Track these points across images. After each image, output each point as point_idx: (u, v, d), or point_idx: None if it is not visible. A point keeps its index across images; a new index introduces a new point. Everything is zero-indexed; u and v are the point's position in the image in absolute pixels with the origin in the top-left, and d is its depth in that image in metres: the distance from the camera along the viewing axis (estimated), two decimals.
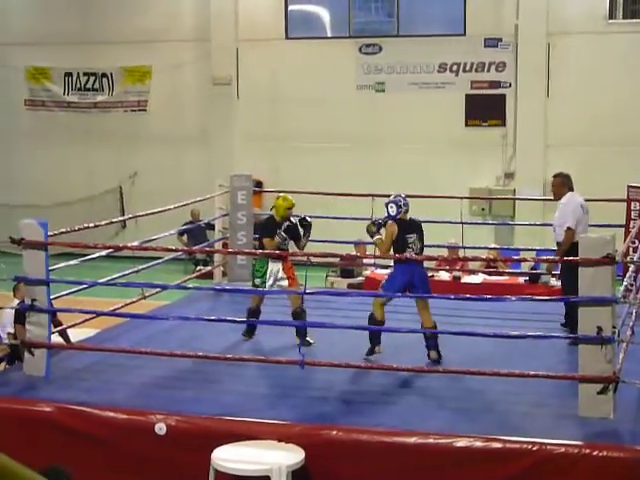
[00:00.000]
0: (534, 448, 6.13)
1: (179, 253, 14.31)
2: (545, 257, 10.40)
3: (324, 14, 19.01)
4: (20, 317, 8.11)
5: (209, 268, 13.31)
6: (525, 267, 14.27)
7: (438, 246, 11.77)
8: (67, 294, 8.75)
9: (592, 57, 17.24)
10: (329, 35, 19.03)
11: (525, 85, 17.42)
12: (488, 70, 17.78)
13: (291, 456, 6.22)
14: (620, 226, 10.56)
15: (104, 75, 19.99)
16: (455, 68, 17.92)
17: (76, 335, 9.07)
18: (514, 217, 17.25)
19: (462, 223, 11.95)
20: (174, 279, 11.96)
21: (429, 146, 17.96)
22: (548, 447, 6.12)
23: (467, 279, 13.10)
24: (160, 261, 11.31)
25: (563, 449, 6.10)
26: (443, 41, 18.01)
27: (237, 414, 6.76)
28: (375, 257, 11.40)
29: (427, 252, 8.73)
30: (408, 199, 8.39)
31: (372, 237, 8.38)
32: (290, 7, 18.80)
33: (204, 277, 12.98)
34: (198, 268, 16.09)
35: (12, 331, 8.69)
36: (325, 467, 6.40)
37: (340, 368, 7.53)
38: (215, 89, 18.94)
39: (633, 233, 9.54)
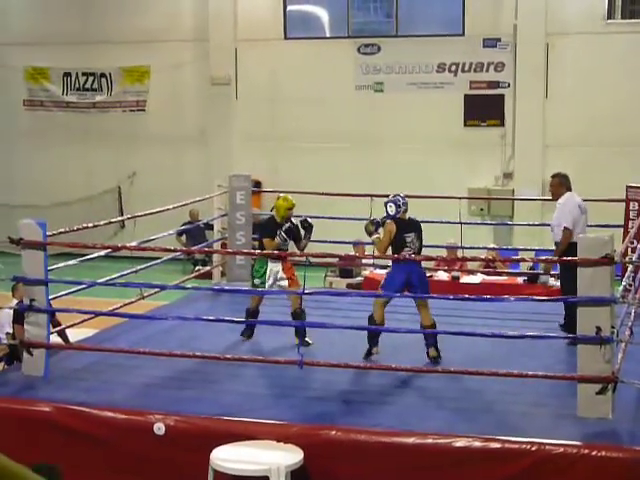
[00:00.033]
0: (533, 448, 6.14)
1: (178, 253, 14.31)
2: (544, 257, 10.41)
3: (323, 14, 19.01)
4: (19, 317, 8.11)
5: (208, 268, 13.30)
6: (524, 267, 14.28)
7: (437, 246, 11.77)
8: (66, 294, 8.76)
9: (591, 57, 17.24)
10: (328, 35, 19.02)
11: (524, 85, 17.42)
12: (487, 70, 17.77)
13: (290, 456, 6.22)
14: (619, 226, 10.56)
15: (103, 75, 19.97)
16: (454, 68, 17.92)
17: (75, 335, 9.07)
18: (513, 217, 17.25)
19: (461, 223, 11.96)
20: (173, 279, 11.97)
21: (428, 146, 17.95)
22: (547, 447, 6.13)
23: (466, 279, 13.10)
24: (159, 261, 11.31)
25: (562, 449, 6.11)
26: (442, 41, 18.00)
27: (236, 414, 6.76)
28: (374, 257, 11.39)
29: (426, 252, 8.73)
30: (407, 199, 8.40)
31: (370, 236, 8.40)
32: (289, 7, 18.79)
33: (203, 277, 12.97)
34: (197, 268, 16.08)
35: (11, 331, 8.69)
36: (324, 467, 6.40)
37: (339, 368, 7.54)
38: (214, 89, 18.94)
39: (632, 233, 9.54)
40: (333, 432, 6.47)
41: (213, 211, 11.91)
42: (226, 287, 10.87)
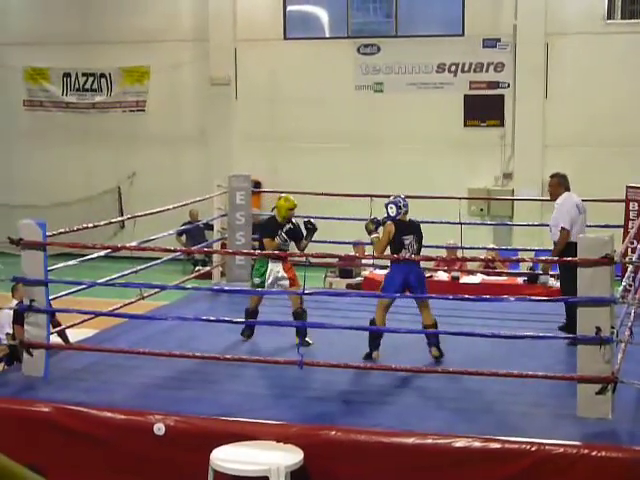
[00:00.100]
0: (533, 448, 6.14)
1: (178, 253, 14.31)
2: (543, 257, 10.41)
3: (322, 14, 19.02)
4: (19, 317, 8.11)
5: (208, 268, 13.31)
6: (524, 267, 14.28)
7: (437, 247, 11.77)
8: (66, 294, 8.75)
9: (590, 57, 17.25)
10: (327, 35, 19.02)
11: (523, 85, 17.43)
12: (487, 70, 17.78)
13: (290, 456, 6.22)
14: (619, 226, 10.56)
15: (102, 75, 19.98)
16: (453, 68, 17.92)
17: (75, 335, 9.06)
18: (512, 217, 17.26)
19: (461, 223, 11.96)
20: (173, 279, 11.97)
21: (427, 146, 17.96)
22: (547, 447, 6.13)
23: (466, 279, 13.10)
24: (159, 261, 11.31)
25: (561, 449, 6.11)
26: (441, 41, 18.01)
27: (236, 414, 6.76)
28: (374, 257, 11.40)
29: (425, 252, 8.73)
30: (407, 200, 8.40)
31: (370, 235, 8.40)
32: (288, 7, 18.80)
33: (203, 277, 12.98)
34: (197, 268, 16.09)
35: (11, 332, 8.68)
36: (324, 467, 6.40)
37: (339, 368, 7.54)
38: (213, 89, 18.94)
39: (632, 233, 9.54)
40: (333, 432, 6.47)
41: (213, 211, 11.91)
42: (226, 287, 10.87)
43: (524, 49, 17.34)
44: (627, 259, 8.96)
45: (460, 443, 6.26)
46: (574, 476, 6.05)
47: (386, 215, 8.27)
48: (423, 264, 8.80)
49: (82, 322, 8.98)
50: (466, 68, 17.86)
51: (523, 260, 10.38)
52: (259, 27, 18.75)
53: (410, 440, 6.34)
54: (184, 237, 17.40)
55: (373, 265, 13.36)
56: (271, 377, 7.74)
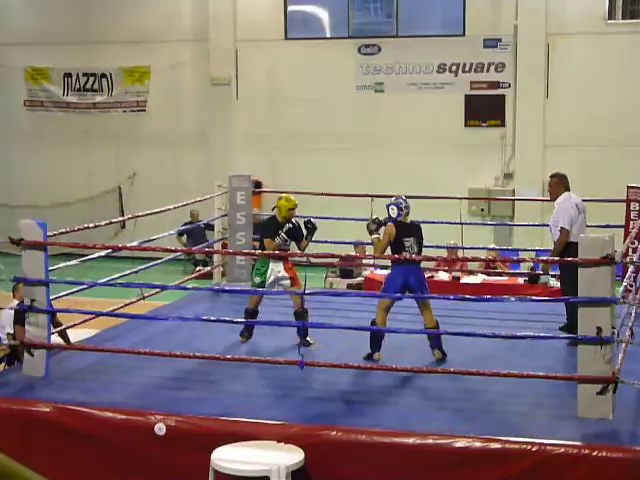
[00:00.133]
0: (533, 449, 6.14)
1: (178, 254, 14.32)
2: (544, 257, 10.41)
3: (323, 15, 19.02)
4: (20, 317, 8.11)
5: (208, 268, 13.31)
6: (524, 267, 14.28)
7: (437, 247, 11.77)
8: (66, 294, 8.75)
9: (591, 58, 17.25)
10: (328, 35, 19.03)
11: (524, 86, 17.43)
12: (487, 70, 17.78)
13: (290, 456, 6.22)
14: (619, 227, 10.57)
15: (103, 75, 19.99)
16: (454, 69, 17.93)
17: (76, 335, 9.06)
18: (513, 217, 17.26)
19: (461, 223, 11.96)
20: (173, 279, 11.98)
21: (428, 146, 17.96)
22: (547, 448, 6.13)
23: (466, 279, 13.10)
24: (159, 261, 11.31)
25: (562, 450, 6.11)
26: (442, 41, 18.01)
27: (237, 414, 6.76)
28: (374, 257, 11.41)
29: (426, 253, 8.72)
30: (408, 200, 8.38)
31: (371, 235, 8.38)
32: (289, 7, 18.79)
33: (203, 277, 12.99)
34: (197, 268, 16.10)
35: (11, 332, 8.69)
36: (324, 467, 6.40)
37: (339, 368, 7.54)
38: (214, 89, 18.95)
39: (633, 234, 9.54)
40: (334, 432, 6.47)
41: (213, 211, 11.91)
42: (226, 287, 10.87)
43: (525, 49, 17.35)
44: (628, 259, 8.97)
45: (461, 443, 6.26)
46: (575, 476, 6.04)
47: (387, 216, 8.24)
48: (424, 264, 8.78)
49: (83, 322, 8.98)
50: (467, 68, 17.86)
51: (524, 260, 10.37)
52: (260, 27, 18.75)
53: (411, 440, 6.34)
54: (185, 237, 17.41)
55: (374, 265, 13.36)
56: (272, 377, 7.74)
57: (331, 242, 11.43)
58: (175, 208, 10.94)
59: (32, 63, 20.27)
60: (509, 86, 17.68)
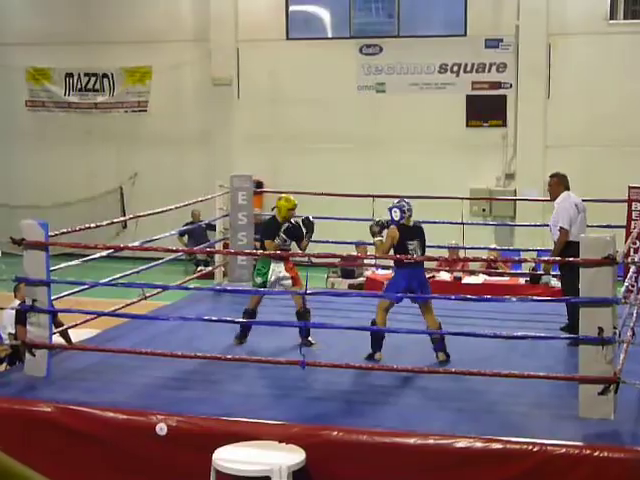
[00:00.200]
0: (535, 449, 6.14)
1: (180, 254, 14.32)
2: (545, 258, 10.41)
3: (325, 15, 19.02)
4: (21, 318, 8.11)
5: (210, 268, 13.31)
6: (526, 268, 14.27)
7: (439, 247, 11.77)
8: (68, 294, 8.75)
9: (593, 58, 17.24)
10: (330, 36, 19.02)
11: (526, 86, 17.43)
12: (489, 71, 17.78)
13: (292, 457, 6.22)
14: (621, 227, 10.57)
15: (105, 76, 19.99)
16: (456, 69, 17.92)
17: (77, 336, 9.07)
18: (514, 218, 17.25)
19: (463, 224, 11.96)
20: (175, 280, 11.97)
21: (429, 147, 17.95)
22: (549, 448, 6.12)
23: (468, 280, 13.10)
24: (161, 262, 11.31)
25: (564, 450, 6.10)
26: (444, 42, 18.00)
27: (238, 414, 6.76)
28: (376, 257, 11.42)
29: (428, 253, 8.71)
30: (409, 200, 8.37)
31: (374, 237, 8.37)
32: (291, 7, 18.80)
33: (205, 277, 12.99)
34: (199, 269, 16.10)
35: (13, 331, 8.69)
36: (326, 468, 6.40)
37: (341, 369, 7.54)
38: (215, 90, 18.95)
39: (634, 234, 9.54)
40: (335, 432, 6.47)
41: (215, 211, 11.91)
42: (228, 287, 10.87)
43: (526, 49, 17.34)
44: (629, 259, 8.96)
45: (462, 444, 6.26)
46: (576, 477, 6.04)
47: (390, 219, 8.21)
48: (425, 264, 8.78)
49: (84, 322, 8.99)
50: (468, 68, 17.86)
51: (525, 260, 10.39)
52: (261, 27, 18.75)
53: (412, 440, 6.34)
54: (186, 237, 17.41)
55: (375, 265, 13.36)
56: (273, 377, 7.74)
57: (332, 242, 11.43)
58: (176, 208, 10.94)
59: (33, 63, 20.28)
60: (510, 86, 17.68)
